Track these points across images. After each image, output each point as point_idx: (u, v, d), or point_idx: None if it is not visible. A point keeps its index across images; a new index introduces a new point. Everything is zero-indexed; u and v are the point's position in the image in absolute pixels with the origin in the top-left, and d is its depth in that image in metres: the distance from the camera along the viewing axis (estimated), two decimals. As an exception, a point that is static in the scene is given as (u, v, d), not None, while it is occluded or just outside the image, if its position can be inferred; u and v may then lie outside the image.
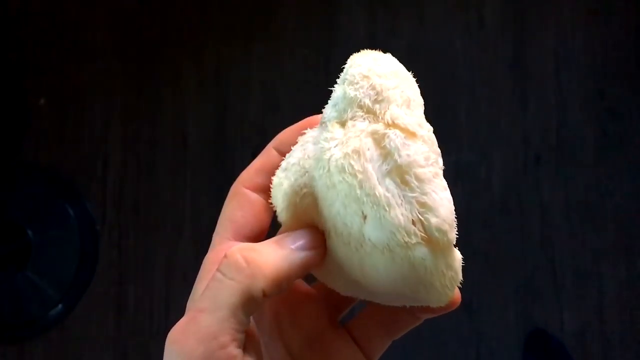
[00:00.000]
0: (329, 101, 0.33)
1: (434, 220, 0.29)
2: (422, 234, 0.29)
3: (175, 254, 1.29)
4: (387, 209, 0.29)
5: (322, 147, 0.30)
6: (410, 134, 0.30)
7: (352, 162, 0.29)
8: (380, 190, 0.29)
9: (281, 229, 0.33)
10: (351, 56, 0.34)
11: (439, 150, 0.31)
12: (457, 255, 0.32)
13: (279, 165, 0.33)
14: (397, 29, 1.33)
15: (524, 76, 1.31)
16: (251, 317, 0.33)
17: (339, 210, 0.30)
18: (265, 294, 0.29)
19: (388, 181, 0.29)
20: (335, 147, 0.30)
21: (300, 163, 0.31)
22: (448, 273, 0.31)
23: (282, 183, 0.32)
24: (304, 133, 0.33)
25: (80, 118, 1.35)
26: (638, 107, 1.29)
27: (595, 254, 1.25)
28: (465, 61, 1.32)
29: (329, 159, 0.30)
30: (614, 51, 1.30)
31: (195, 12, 1.37)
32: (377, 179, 0.29)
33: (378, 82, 0.31)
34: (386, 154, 0.29)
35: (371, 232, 0.29)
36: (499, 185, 1.27)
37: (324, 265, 0.32)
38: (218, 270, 0.30)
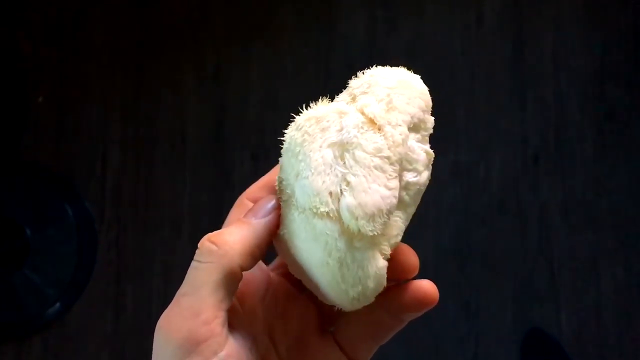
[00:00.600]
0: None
1: (349, 199, 0.29)
2: (334, 209, 0.30)
3: (174, 253, 1.29)
4: (312, 172, 0.30)
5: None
6: (373, 125, 0.31)
7: (307, 124, 0.31)
8: (315, 155, 0.30)
9: None
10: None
11: (411, 161, 0.32)
12: (378, 260, 0.31)
13: None
14: (397, 29, 1.33)
15: (522, 76, 1.31)
16: (243, 311, 0.34)
17: (285, 165, 0.32)
18: (242, 268, 0.31)
19: (327, 151, 0.30)
20: (304, 115, 0.32)
21: None
22: (353, 268, 0.30)
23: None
24: None
25: (78, 117, 1.35)
26: (636, 108, 1.29)
27: (594, 254, 1.25)
28: (464, 61, 1.32)
29: (296, 119, 0.32)
30: (613, 52, 1.30)
31: (195, 11, 1.37)
32: (320, 146, 0.30)
33: (375, 80, 0.32)
34: (340, 130, 0.31)
35: (297, 191, 0.31)
36: (497, 185, 1.27)
37: (280, 233, 0.33)
38: (193, 260, 0.31)
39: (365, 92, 0.32)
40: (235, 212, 0.35)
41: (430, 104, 0.34)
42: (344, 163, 0.30)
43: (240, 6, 1.37)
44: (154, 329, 0.31)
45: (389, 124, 0.31)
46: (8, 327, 1.30)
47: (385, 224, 0.30)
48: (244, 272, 0.32)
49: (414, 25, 1.33)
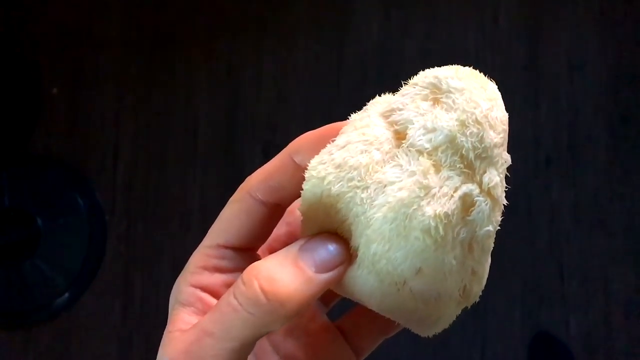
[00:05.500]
0: (416, 116, 0.28)
1: (476, 288, 0.30)
2: (460, 299, 0.30)
3: (183, 246, 1.29)
4: (446, 276, 0.28)
5: (414, 194, 0.26)
6: (497, 205, 0.29)
7: (440, 227, 0.26)
8: (448, 258, 0.27)
9: (301, 223, 0.30)
10: (459, 70, 0.29)
11: None
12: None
13: (292, 174, 0.29)
14: (411, 28, 1.33)
15: (536, 78, 1.30)
16: None
17: (393, 255, 0.27)
18: (281, 326, 0.27)
19: (459, 250, 0.27)
20: (427, 202, 0.27)
21: (361, 173, 0.27)
22: (453, 318, 0.32)
23: (330, 182, 0.28)
24: (333, 141, 0.28)
25: (91, 109, 1.36)
26: (651, 112, 1.28)
27: (604, 258, 1.24)
28: (479, 62, 1.31)
29: (414, 210, 0.26)
30: (628, 55, 1.29)
31: (208, 5, 1.37)
32: (450, 246, 0.27)
33: (489, 136, 0.29)
34: (468, 222, 0.28)
35: (418, 286, 0.28)
36: (508, 186, 1.27)
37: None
38: (234, 295, 0.27)
39: (481, 157, 0.29)
40: (232, 210, 0.31)
41: None
42: (471, 255, 0.28)
43: (253, 1, 1.37)
44: (161, 321, 0.29)
45: (504, 194, 0.30)
46: (17, 316, 1.31)
47: None
48: None
49: (428, 26, 1.33)
